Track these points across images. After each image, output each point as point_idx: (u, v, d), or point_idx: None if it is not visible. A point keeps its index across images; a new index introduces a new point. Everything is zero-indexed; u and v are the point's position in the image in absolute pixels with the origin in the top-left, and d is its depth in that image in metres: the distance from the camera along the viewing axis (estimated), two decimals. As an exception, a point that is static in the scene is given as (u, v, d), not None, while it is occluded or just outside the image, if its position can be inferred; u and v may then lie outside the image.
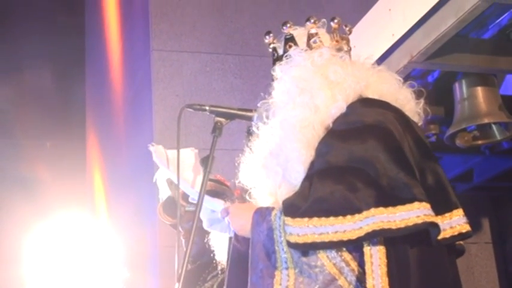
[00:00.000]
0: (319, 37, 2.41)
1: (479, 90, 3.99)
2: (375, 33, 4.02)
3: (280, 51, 2.46)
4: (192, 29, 5.76)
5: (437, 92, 4.14)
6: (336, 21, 2.44)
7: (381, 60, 3.87)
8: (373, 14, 4.13)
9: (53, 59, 10.52)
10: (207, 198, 2.46)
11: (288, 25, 2.45)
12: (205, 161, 2.40)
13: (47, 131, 10.01)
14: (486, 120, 3.98)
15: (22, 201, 8.80)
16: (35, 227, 7.55)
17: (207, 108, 2.51)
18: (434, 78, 4.11)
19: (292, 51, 2.41)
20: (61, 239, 7.33)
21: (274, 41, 2.51)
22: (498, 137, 4.15)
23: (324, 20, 2.47)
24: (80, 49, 10.20)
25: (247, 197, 2.41)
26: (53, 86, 10.57)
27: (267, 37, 2.52)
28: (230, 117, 2.53)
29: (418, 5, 3.63)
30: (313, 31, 2.42)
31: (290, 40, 2.44)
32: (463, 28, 3.53)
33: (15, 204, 8.90)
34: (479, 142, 4.17)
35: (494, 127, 4.13)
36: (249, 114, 2.51)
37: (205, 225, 2.58)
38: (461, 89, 4.04)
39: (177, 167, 2.43)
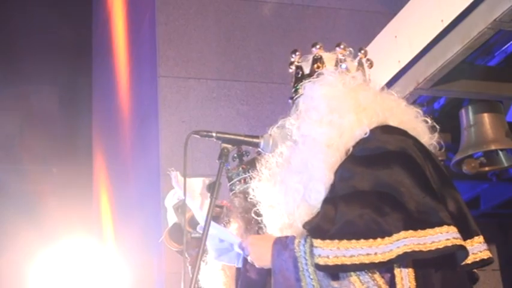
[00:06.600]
0: (347, 63, 2.46)
1: (486, 117, 4.00)
2: (381, 59, 4.02)
3: (307, 70, 2.48)
4: (198, 55, 5.78)
5: (444, 119, 4.13)
6: (362, 51, 2.52)
7: (387, 86, 3.87)
8: (379, 40, 4.15)
9: (59, 85, 10.58)
10: (219, 227, 2.45)
11: (318, 46, 2.49)
12: (212, 187, 2.40)
13: (54, 157, 10.02)
14: (493, 147, 3.98)
15: (28, 227, 8.78)
16: (41, 253, 7.53)
17: (214, 134, 2.51)
18: (440, 105, 4.11)
19: (325, 70, 2.43)
20: (67, 265, 7.31)
21: (300, 60, 2.53)
22: (505, 164, 4.14)
23: (350, 48, 2.52)
24: (87, 75, 10.25)
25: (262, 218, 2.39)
26: (60, 111, 10.61)
27: (293, 55, 2.54)
28: (237, 143, 2.54)
29: (424, 32, 3.65)
30: (341, 56, 2.47)
31: (318, 61, 2.47)
32: (469, 55, 3.54)
33: (21, 229, 8.88)
34: (486, 169, 4.16)
35: (501, 153, 4.12)
36: (255, 140, 2.52)
37: (212, 257, 2.56)
38: (467, 116, 4.04)
39: (184, 192, 2.44)
